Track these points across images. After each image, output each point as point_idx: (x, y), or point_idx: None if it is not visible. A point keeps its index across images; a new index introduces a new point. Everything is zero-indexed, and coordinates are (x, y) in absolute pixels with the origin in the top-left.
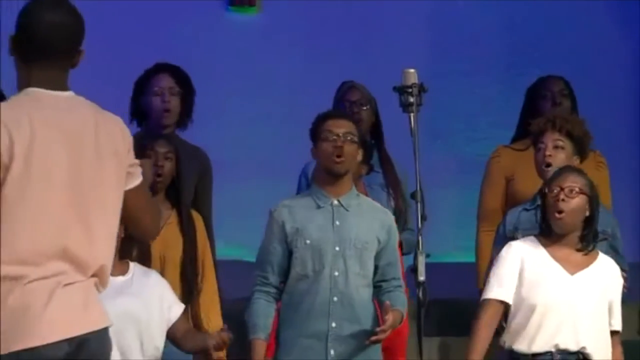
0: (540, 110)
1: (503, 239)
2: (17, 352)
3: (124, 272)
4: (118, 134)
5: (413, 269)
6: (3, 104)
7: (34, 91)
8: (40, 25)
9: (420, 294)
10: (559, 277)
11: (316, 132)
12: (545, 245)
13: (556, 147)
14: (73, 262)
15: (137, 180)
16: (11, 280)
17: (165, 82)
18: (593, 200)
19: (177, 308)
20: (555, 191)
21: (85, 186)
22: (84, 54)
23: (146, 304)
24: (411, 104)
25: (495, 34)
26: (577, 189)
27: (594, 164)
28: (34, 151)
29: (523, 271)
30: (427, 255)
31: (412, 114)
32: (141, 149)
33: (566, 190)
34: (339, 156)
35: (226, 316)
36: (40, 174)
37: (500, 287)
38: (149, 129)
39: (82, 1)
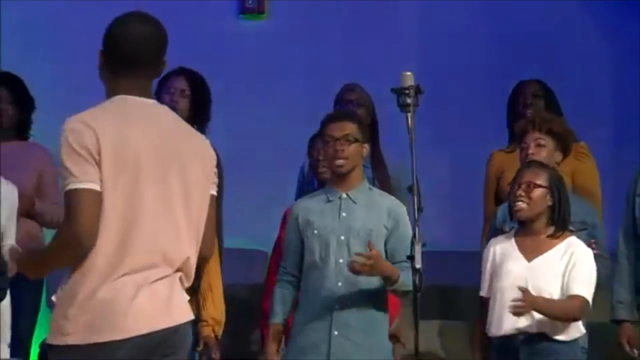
0: (516, 113)
1: (494, 231)
2: (101, 343)
3: None
4: (201, 142)
5: (410, 257)
6: (90, 109)
7: (120, 97)
8: (128, 38)
9: (417, 280)
10: (517, 265)
11: (321, 135)
12: (516, 236)
13: (538, 145)
14: (161, 255)
15: (213, 190)
16: (102, 273)
17: (178, 83)
18: (554, 191)
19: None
20: (515, 187)
21: (172, 182)
22: (166, 64)
23: None
24: (408, 105)
25: (487, 36)
26: (533, 183)
27: (574, 154)
28: (121, 148)
29: (494, 264)
30: (423, 244)
31: (409, 114)
32: None
33: (524, 185)
34: (339, 159)
35: (231, 299)
36: (128, 169)
37: (483, 283)
38: None
39: (103, 5)
